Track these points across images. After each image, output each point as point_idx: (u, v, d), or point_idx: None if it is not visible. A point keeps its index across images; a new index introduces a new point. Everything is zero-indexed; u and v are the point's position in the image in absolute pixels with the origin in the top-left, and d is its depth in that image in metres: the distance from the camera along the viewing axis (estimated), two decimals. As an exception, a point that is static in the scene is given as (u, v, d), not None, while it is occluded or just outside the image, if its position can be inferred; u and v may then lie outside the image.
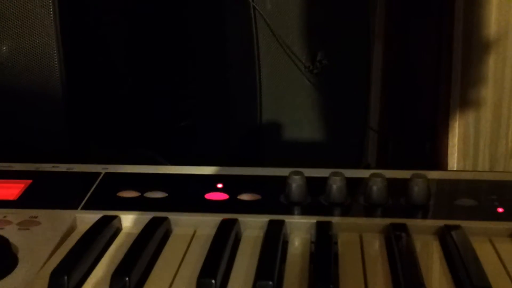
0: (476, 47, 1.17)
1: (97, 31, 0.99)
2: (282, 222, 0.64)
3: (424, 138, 1.28)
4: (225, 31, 0.95)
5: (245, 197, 0.70)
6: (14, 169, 0.77)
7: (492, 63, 1.17)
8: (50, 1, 0.86)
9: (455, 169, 1.24)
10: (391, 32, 1.27)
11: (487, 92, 1.19)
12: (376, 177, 0.67)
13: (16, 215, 0.67)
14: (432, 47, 1.24)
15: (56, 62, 0.88)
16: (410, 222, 0.64)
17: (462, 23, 1.16)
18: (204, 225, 0.66)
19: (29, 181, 0.74)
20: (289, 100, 0.96)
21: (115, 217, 0.66)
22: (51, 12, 0.87)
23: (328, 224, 0.64)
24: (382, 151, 1.32)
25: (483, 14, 1.15)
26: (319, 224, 0.64)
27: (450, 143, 1.23)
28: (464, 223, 0.64)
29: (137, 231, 0.64)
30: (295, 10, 0.93)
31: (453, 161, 1.24)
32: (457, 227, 0.63)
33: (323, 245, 0.61)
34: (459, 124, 1.22)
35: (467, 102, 1.20)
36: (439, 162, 1.25)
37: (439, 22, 1.22)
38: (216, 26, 0.96)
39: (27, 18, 0.87)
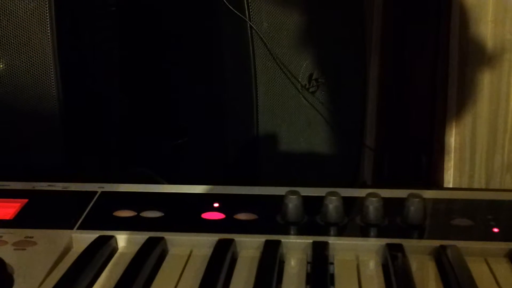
0: (472, 63, 1.17)
1: (94, 50, 0.99)
2: (278, 243, 0.64)
3: (420, 154, 1.29)
4: (222, 49, 0.95)
5: (241, 216, 0.70)
6: (10, 188, 0.77)
7: (487, 79, 1.18)
8: (48, 19, 0.87)
9: (451, 184, 1.24)
10: (387, 50, 1.27)
11: (483, 108, 1.19)
12: (372, 197, 0.67)
13: (11, 235, 0.67)
14: (428, 64, 1.24)
15: (53, 80, 0.88)
16: (406, 243, 0.64)
17: (458, 39, 1.17)
18: (200, 245, 0.66)
19: (25, 200, 0.73)
20: (286, 118, 0.96)
21: (111, 237, 0.66)
22: (48, 30, 0.87)
23: (324, 244, 0.64)
24: (378, 168, 1.32)
25: (479, 30, 1.15)
26: (315, 245, 0.64)
27: (446, 159, 1.23)
28: (460, 243, 0.64)
29: (133, 251, 0.64)
30: (291, 29, 0.94)
31: (449, 176, 1.24)
32: (452, 247, 0.63)
33: (319, 266, 0.61)
34: (455, 139, 1.22)
35: (463, 117, 1.20)
36: (435, 178, 1.26)
37: (435, 39, 1.22)
38: (213, 45, 0.97)
39: (24, 35, 0.87)
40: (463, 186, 1.23)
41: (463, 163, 1.23)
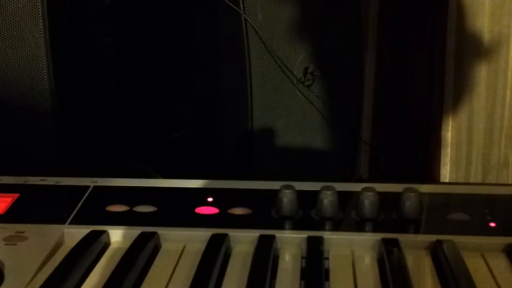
0: (468, 58, 1.17)
1: (88, 43, 0.98)
2: (272, 237, 0.64)
3: (417, 148, 1.28)
4: (216, 43, 0.94)
5: (235, 211, 0.69)
6: (1, 182, 0.76)
7: (484, 74, 1.17)
8: (40, 12, 0.86)
9: (447, 179, 1.23)
10: (383, 44, 1.27)
11: (480, 103, 1.19)
12: (368, 191, 0.66)
13: (2, 230, 0.66)
14: (424, 59, 1.24)
15: (45, 73, 0.87)
16: (402, 237, 0.63)
17: (455, 34, 1.17)
18: (194, 240, 0.65)
19: (17, 195, 0.73)
20: (281, 112, 0.96)
21: (104, 232, 0.65)
22: (41, 23, 0.86)
23: (319, 239, 0.64)
24: (375, 162, 1.32)
25: (476, 25, 1.15)
26: (310, 239, 0.64)
27: (442, 154, 1.23)
28: (456, 238, 0.63)
29: (125, 246, 0.63)
30: (287, 22, 0.93)
31: (446, 171, 1.24)
32: (449, 242, 0.62)
33: (314, 261, 0.61)
34: (452, 134, 1.22)
35: (460, 112, 1.20)
36: (432, 173, 1.25)
37: (431, 33, 1.22)
38: (208, 38, 0.96)
39: (16, 29, 0.86)
40: (459, 181, 1.22)
41: (459, 158, 1.22)
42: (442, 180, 1.23)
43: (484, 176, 1.23)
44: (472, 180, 1.22)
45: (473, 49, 1.16)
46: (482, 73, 1.17)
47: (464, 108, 1.20)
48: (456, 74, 1.18)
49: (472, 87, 1.18)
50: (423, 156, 1.28)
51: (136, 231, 0.65)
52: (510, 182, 1.22)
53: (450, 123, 1.21)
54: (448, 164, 1.23)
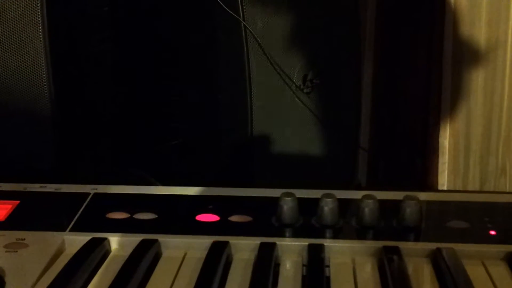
0: (465, 65, 1.18)
1: (87, 50, 0.98)
2: (273, 245, 0.64)
3: (415, 156, 1.29)
4: (216, 50, 0.95)
5: (236, 218, 0.69)
6: (1, 189, 0.76)
7: (482, 80, 1.18)
8: (39, 19, 0.86)
9: (445, 187, 1.24)
10: (381, 51, 1.27)
11: (477, 109, 1.20)
12: (368, 199, 0.66)
13: (3, 237, 0.66)
14: (422, 66, 1.24)
15: (44, 80, 0.87)
16: (403, 245, 0.63)
17: (452, 41, 1.17)
18: (195, 247, 0.65)
19: (17, 202, 0.73)
20: (280, 119, 0.96)
21: (104, 239, 0.65)
22: (40, 30, 0.86)
23: (320, 247, 0.63)
24: (373, 170, 1.32)
25: (473, 31, 1.15)
26: (311, 247, 0.64)
27: (440, 161, 1.23)
28: (456, 246, 0.63)
29: (126, 253, 0.63)
30: (286, 29, 0.94)
31: (444, 179, 1.24)
32: (449, 250, 0.62)
33: (315, 268, 0.61)
34: (449, 142, 1.22)
35: (457, 119, 1.21)
36: (430, 180, 1.26)
37: (429, 40, 1.22)
38: (207, 45, 0.96)
39: (16, 36, 0.86)
40: (457, 189, 1.23)
41: (457, 165, 1.23)
42: (440, 187, 1.23)
43: (482, 183, 1.23)
44: (469, 188, 1.22)
45: (470, 56, 1.17)
46: (479, 80, 1.18)
47: (461, 115, 1.20)
48: (453, 81, 1.19)
49: (469, 94, 1.19)
50: (421, 163, 1.28)
51: (136, 238, 0.65)
52: (508, 189, 1.22)
53: (448, 130, 1.22)
54: (446, 172, 1.24)
